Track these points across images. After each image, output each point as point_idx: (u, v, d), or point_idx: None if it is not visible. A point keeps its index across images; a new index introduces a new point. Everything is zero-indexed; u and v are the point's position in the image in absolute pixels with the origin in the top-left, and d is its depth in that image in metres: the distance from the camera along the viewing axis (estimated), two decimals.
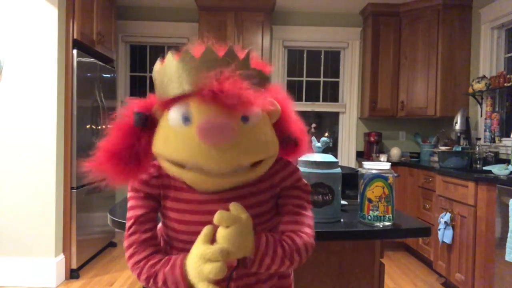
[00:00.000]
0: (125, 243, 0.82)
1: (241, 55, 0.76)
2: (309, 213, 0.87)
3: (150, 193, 0.83)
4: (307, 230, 0.83)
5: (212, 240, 0.73)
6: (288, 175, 0.87)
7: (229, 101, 0.68)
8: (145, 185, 0.83)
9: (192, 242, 0.76)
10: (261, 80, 0.77)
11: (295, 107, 0.88)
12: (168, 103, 0.75)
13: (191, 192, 0.81)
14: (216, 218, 0.71)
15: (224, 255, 0.70)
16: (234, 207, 0.73)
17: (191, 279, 0.72)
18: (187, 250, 0.77)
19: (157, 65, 0.78)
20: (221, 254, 0.69)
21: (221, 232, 0.71)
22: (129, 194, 0.85)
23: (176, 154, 0.72)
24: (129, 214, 0.84)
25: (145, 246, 0.80)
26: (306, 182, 0.91)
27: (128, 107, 0.79)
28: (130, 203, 0.85)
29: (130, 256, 0.81)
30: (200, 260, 0.70)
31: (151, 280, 0.77)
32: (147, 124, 0.77)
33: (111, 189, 3.81)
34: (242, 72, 0.71)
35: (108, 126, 0.80)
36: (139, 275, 0.79)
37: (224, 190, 0.80)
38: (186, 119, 0.72)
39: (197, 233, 0.75)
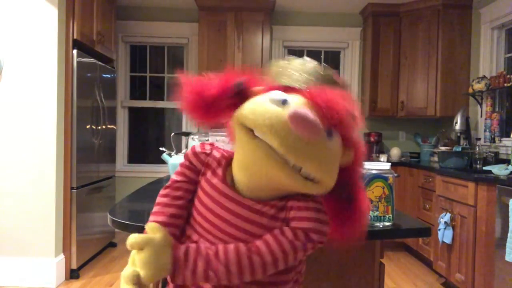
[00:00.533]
0: (157, 198, 0.90)
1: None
2: (292, 238, 0.79)
3: (195, 165, 0.89)
4: (272, 243, 0.78)
5: None
6: (301, 218, 0.80)
7: (328, 111, 0.73)
8: (194, 156, 0.90)
9: (200, 225, 0.85)
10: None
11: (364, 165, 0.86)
12: (271, 89, 0.80)
13: (221, 181, 0.84)
14: (128, 243, 0.73)
15: (136, 279, 0.72)
16: (149, 227, 0.76)
17: None
18: (197, 232, 0.85)
19: (281, 60, 0.86)
20: (133, 279, 0.71)
21: (136, 257, 0.73)
22: (182, 161, 0.92)
23: (262, 121, 0.72)
24: (172, 176, 0.91)
25: (165, 211, 0.87)
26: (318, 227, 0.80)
27: (237, 73, 0.82)
28: (178, 168, 0.92)
29: (152, 213, 0.88)
30: (122, 279, 0.73)
31: None
32: (241, 93, 0.80)
33: (111, 189, 3.82)
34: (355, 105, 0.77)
35: (213, 74, 0.83)
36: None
37: (249, 197, 0.81)
38: (284, 102, 0.75)
39: (206, 220, 0.83)
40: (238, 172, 0.83)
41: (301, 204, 0.80)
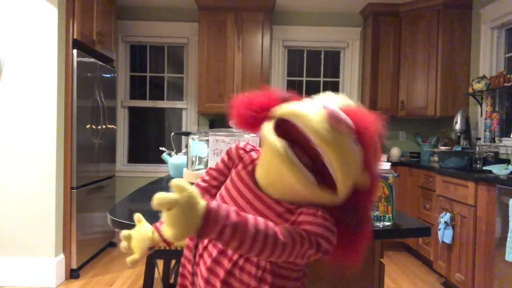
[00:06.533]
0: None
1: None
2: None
3: (231, 156, 1.00)
4: (315, 229, 0.80)
5: None
6: (311, 223, 0.82)
7: (358, 123, 0.80)
8: (235, 151, 1.00)
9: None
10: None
11: (375, 197, 0.91)
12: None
13: (248, 174, 0.93)
14: (154, 203, 0.68)
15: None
16: (175, 187, 0.70)
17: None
18: None
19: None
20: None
21: (164, 216, 0.70)
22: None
23: (301, 110, 0.80)
24: (213, 165, 1.05)
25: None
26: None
27: (280, 92, 0.92)
28: (219, 159, 1.03)
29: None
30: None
31: None
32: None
33: (111, 189, 3.82)
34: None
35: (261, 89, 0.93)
36: None
37: (270, 195, 0.87)
38: (325, 107, 0.81)
39: (222, 201, 0.92)
40: (259, 169, 0.90)
41: (311, 210, 0.82)
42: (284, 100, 0.88)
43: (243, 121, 0.91)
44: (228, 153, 1.01)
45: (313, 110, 0.80)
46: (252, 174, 0.93)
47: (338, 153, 0.76)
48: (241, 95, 0.92)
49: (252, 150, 0.99)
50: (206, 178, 1.03)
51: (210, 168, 1.04)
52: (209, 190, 1.01)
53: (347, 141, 0.78)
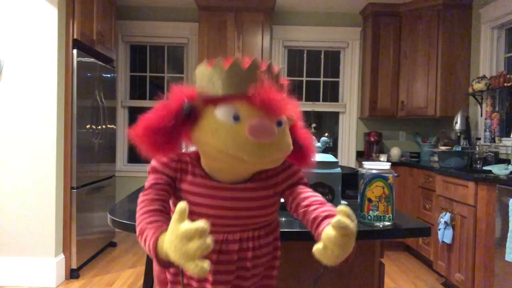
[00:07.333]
0: (139, 201, 0.88)
1: (274, 69, 0.91)
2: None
3: (169, 174, 0.92)
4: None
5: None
6: (292, 174, 0.99)
7: (272, 108, 0.83)
8: (166, 167, 0.93)
9: None
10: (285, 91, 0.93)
11: (302, 116, 1.00)
12: (214, 100, 0.85)
13: (206, 178, 0.91)
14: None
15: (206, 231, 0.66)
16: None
17: (174, 260, 0.67)
18: None
19: (204, 66, 0.88)
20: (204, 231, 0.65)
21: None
22: (149, 174, 0.94)
23: (224, 146, 0.81)
24: (147, 184, 0.92)
25: (154, 203, 0.86)
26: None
27: (177, 93, 0.88)
28: (148, 179, 0.92)
29: (138, 210, 0.86)
30: (183, 240, 0.64)
31: (140, 235, 0.81)
32: (191, 114, 0.86)
33: (111, 189, 3.82)
34: (279, 84, 0.89)
35: (156, 103, 0.88)
36: (136, 226, 0.83)
37: (236, 181, 0.91)
38: (236, 118, 0.83)
39: (204, 215, 0.87)
40: (213, 163, 0.90)
41: (281, 167, 0.97)
42: (188, 111, 0.84)
43: (152, 147, 0.86)
44: (160, 170, 0.92)
45: (236, 139, 0.80)
46: (207, 175, 0.91)
47: (277, 152, 0.84)
48: (143, 119, 0.86)
49: (178, 155, 0.93)
50: (163, 193, 0.89)
51: (158, 184, 0.91)
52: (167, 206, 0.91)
53: (277, 138, 0.83)
